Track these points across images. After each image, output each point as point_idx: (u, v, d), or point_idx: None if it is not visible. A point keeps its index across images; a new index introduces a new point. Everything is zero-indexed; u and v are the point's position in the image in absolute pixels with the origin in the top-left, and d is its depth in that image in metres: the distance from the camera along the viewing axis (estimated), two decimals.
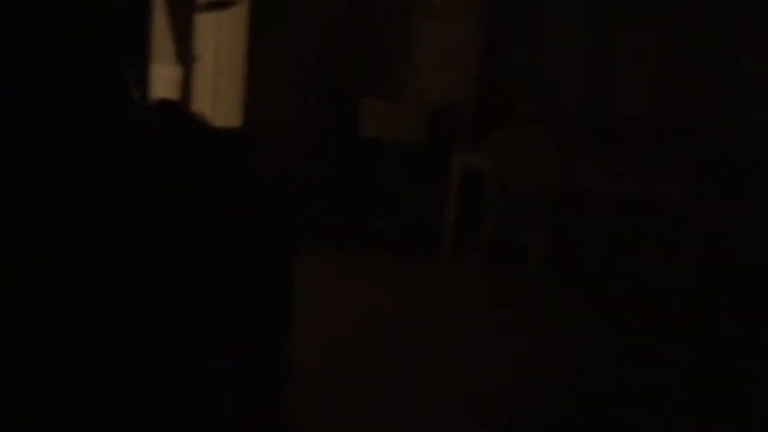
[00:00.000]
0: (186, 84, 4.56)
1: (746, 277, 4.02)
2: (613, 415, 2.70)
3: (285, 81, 4.49)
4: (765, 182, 4.02)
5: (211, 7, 4.33)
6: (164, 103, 1.86)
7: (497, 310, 3.87)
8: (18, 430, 1.49)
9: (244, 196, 1.93)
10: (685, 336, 3.68)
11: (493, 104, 4.83)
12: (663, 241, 4.04)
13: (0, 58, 1.59)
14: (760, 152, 4.03)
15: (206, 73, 4.70)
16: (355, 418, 2.57)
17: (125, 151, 1.72)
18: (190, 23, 4.50)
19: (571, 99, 4.55)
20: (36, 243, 1.56)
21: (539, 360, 3.23)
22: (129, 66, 1.69)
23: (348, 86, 4.87)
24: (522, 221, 4.33)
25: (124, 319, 1.60)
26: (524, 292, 4.14)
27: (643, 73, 4.34)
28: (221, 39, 4.60)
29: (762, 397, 3.04)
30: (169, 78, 4.42)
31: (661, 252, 4.05)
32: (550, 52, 4.63)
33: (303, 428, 2.37)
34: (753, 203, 4.04)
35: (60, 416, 1.55)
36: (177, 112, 1.84)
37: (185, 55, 4.53)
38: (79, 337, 1.55)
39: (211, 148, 1.83)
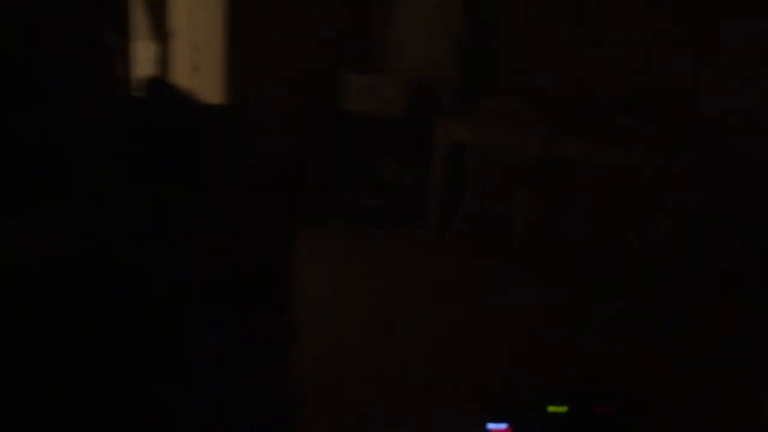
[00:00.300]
0: (162, 61, 4.45)
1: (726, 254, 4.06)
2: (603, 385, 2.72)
3: (265, 58, 4.40)
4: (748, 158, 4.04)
5: None
6: (154, 81, 1.79)
7: (483, 284, 3.86)
8: (12, 429, 1.45)
9: (243, 178, 1.88)
10: (667, 307, 3.72)
11: (474, 75, 4.80)
12: (642, 211, 4.05)
13: None
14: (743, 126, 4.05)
15: (182, 50, 4.59)
16: (347, 401, 2.56)
17: (114, 133, 1.66)
18: None
19: (553, 69, 4.53)
20: (26, 235, 1.51)
21: (527, 333, 3.24)
22: (113, 42, 1.62)
23: (328, 61, 4.79)
24: (504, 192, 4.32)
25: (121, 314, 1.56)
26: (509, 265, 4.15)
27: (625, 43, 4.32)
28: (197, 15, 4.48)
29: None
30: (145, 55, 4.31)
31: (641, 222, 4.06)
32: (531, 22, 4.59)
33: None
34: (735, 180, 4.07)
35: (54, 417, 1.51)
36: (168, 90, 1.77)
37: (159, 32, 4.42)
38: (74, 334, 1.50)
39: (206, 128, 1.78)
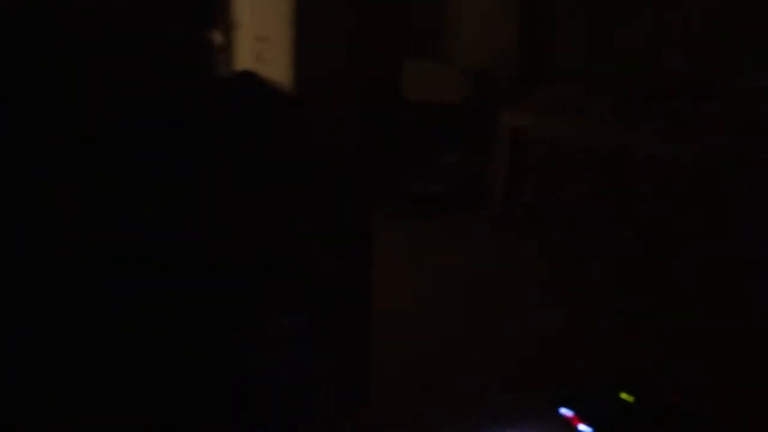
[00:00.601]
0: (225, 52, 4.53)
1: None
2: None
3: (329, 46, 4.45)
4: None
5: None
6: (244, 74, 1.85)
7: (540, 276, 3.81)
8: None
9: (323, 169, 1.93)
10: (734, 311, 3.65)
11: (537, 62, 4.77)
12: (713, 208, 3.95)
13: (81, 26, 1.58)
14: None
15: (246, 40, 4.68)
16: (406, 385, 2.60)
17: (206, 122, 1.72)
18: None
19: (620, 56, 4.46)
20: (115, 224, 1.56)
21: (581, 328, 3.19)
22: (216, 39, 1.68)
23: (389, 48, 4.82)
24: (566, 182, 4.28)
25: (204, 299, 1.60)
26: (568, 258, 4.10)
27: (692, 25, 4.23)
28: (262, 5, 4.56)
29: None
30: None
31: (712, 220, 3.96)
32: (596, 7, 4.53)
33: None
34: None
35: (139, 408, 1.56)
36: (258, 82, 1.83)
37: (223, 22, 4.50)
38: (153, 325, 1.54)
39: (294, 121, 1.83)
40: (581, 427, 2.30)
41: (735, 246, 3.87)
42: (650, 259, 4.05)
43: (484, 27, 4.87)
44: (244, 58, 4.68)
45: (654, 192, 4.06)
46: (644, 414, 2.38)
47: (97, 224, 1.56)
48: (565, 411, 2.37)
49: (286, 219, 1.84)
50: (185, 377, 1.62)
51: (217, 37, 1.68)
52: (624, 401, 2.40)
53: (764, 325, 3.27)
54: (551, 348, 2.96)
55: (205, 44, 1.65)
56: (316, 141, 1.97)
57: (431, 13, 5.02)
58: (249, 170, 1.78)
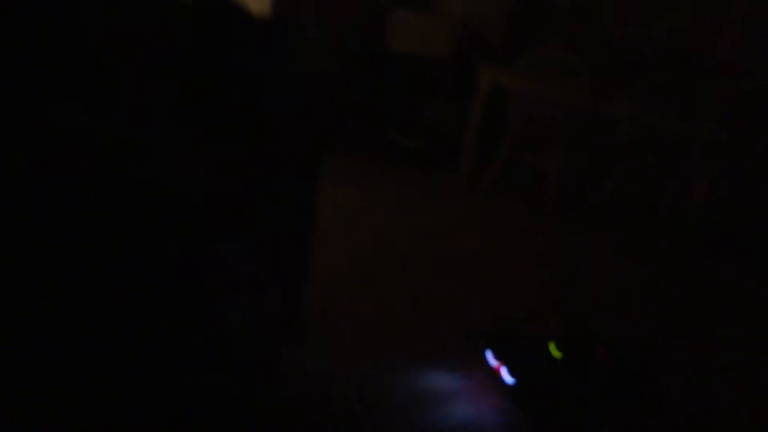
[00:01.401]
0: None
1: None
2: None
3: None
4: None
5: None
6: None
7: (504, 234, 3.89)
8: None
9: (282, 95, 1.93)
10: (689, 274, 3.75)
11: (526, 22, 4.74)
12: (684, 177, 4.02)
13: None
14: None
15: None
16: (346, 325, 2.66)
17: (160, 34, 1.72)
18: None
19: (609, 24, 4.44)
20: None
21: (539, 286, 3.26)
22: None
23: None
24: (542, 145, 4.30)
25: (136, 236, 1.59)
26: (535, 219, 4.18)
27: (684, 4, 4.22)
28: None
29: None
30: None
31: (681, 189, 4.03)
32: None
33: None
34: None
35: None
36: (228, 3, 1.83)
37: None
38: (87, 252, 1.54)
39: (256, 39, 1.84)
40: (504, 375, 2.34)
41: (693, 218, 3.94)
42: (618, 227, 4.13)
43: None
44: None
45: (632, 157, 4.08)
46: (569, 370, 2.38)
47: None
48: (491, 357, 2.41)
49: (235, 146, 1.84)
50: (128, 296, 1.64)
51: None
52: (551, 356, 2.39)
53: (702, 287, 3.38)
54: (496, 298, 3.01)
55: None
56: (274, 64, 1.96)
57: None
58: (209, 88, 1.78)
